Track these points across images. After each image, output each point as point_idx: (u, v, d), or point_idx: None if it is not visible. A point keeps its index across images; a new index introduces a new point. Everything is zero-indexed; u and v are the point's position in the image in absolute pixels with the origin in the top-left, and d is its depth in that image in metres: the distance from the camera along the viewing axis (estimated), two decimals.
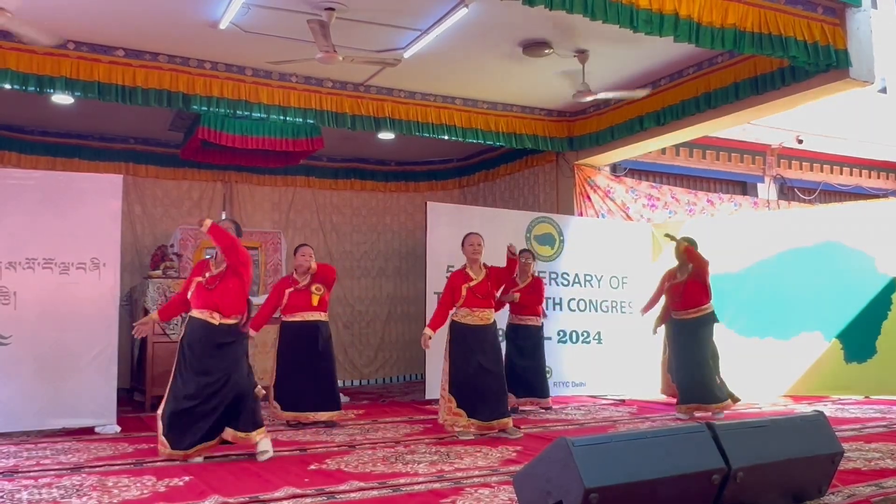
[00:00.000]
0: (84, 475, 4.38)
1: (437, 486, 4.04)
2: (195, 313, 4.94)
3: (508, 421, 5.79)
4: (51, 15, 5.98)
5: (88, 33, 6.49)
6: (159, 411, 4.86)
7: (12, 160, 8.77)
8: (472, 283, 5.84)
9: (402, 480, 4.16)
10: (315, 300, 6.49)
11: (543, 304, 7.38)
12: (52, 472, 4.46)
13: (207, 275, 5.01)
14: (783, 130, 10.94)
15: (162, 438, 4.79)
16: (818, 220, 8.44)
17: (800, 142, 11.25)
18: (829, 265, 8.11)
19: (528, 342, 7.19)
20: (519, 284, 7.13)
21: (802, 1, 6.20)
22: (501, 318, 6.81)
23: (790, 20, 6.07)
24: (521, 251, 7.43)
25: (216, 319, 4.91)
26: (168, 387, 4.90)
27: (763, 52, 6.08)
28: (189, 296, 5.01)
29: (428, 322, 6.02)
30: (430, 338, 5.81)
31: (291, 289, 6.45)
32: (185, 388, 4.82)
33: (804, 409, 6.89)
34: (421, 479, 4.18)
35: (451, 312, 5.91)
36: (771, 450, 3.30)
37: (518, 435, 5.69)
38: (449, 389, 5.78)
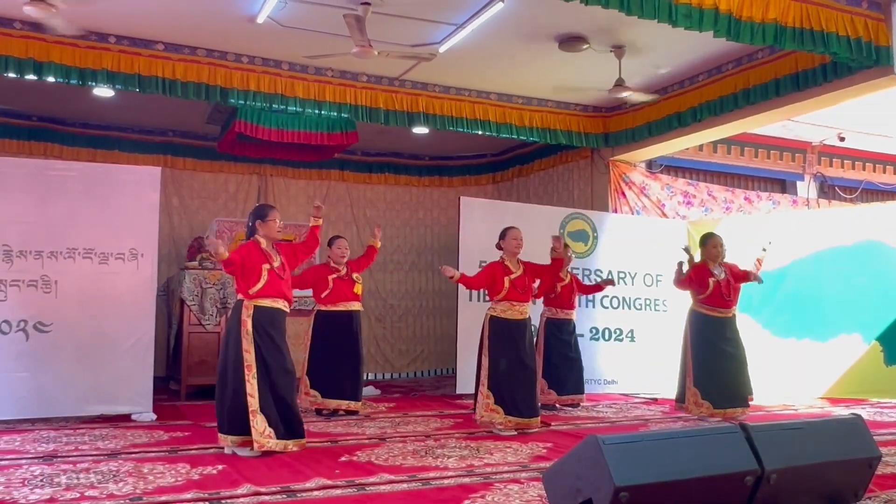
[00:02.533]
0: (120, 461, 4.47)
1: (466, 480, 4.04)
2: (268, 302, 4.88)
3: (538, 420, 5.81)
4: (93, 9, 6.09)
5: (129, 27, 6.60)
6: (256, 406, 4.69)
7: (55, 152, 8.98)
8: (513, 276, 5.83)
9: (431, 474, 4.17)
10: (358, 289, 6.67)
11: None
12: (90, 458, 4.56)
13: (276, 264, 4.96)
14: (824, 127, 10.70)
15: (268, 430, 4.70)
16: (858, 219, 8.25)
17: (841, 139, 11.00)
18: (870, 265, 7.93)
19: (571, 337, 7.23)
20: (563, 280, 7.17)
21: None
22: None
23: (833, 15, 5.94)
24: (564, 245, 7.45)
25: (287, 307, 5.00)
26: (255, 380, 4.75)
27: (804, 47, 5.95)
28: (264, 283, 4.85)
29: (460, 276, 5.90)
30: (451, 275, 5.80)
31: (335, 275, 6.55)
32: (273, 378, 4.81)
33: (841, 411, 6.76)
34: (450, 474, 4.20)
35: (488, 307, 5.92)
36: (806, 452, 3.24)
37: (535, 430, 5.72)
38: (487, 385, 5.74)
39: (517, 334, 5.81)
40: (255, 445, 4.67)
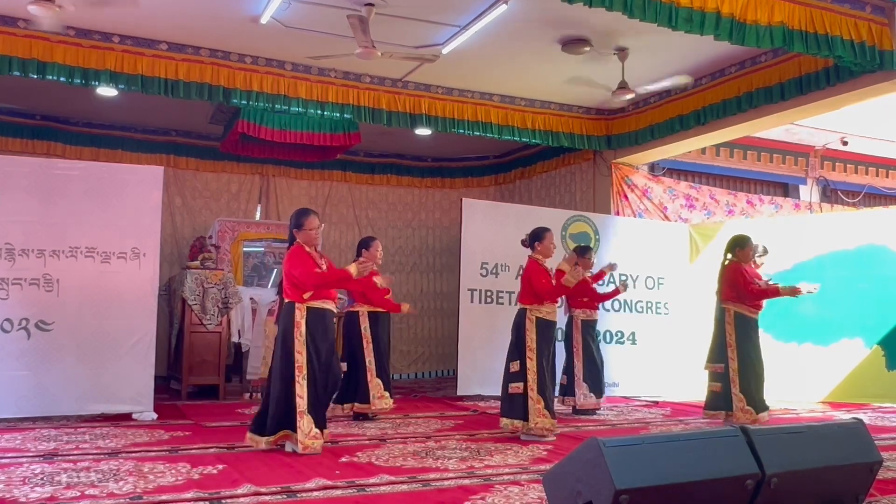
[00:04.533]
0: (121, 460, 4.47)
1: (466, 482, 4.04)
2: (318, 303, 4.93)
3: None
4: (96, 8, 6.10)
5: (133, 27, 6.61)
6: (305, 408, 4.75)
7: (58, 151, 9.01)
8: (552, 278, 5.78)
9: (432, 475, 4.17)
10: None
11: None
12: (91, 457, 4.56)
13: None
14: (827, 131, 10.70)
15: (315, 431, 4.79)
16: (861, 223, 8.25)
17: (844, 143, 11.00)
18: (872, 269, 7.92)
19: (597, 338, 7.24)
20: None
21: None
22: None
23: (837, 19, 5.94)
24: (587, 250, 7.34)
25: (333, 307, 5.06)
26: (305, 381, 4.81)
27: (809, 51, 5.96)
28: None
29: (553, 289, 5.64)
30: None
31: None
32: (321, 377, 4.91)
33: (843, 416, 6.75)
34: (451, 475, 4.19)
35: (526, 309, 5.63)
36: (807, 456, 3.23)
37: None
38: (537, 389, 5.49)
39: (552, 335, 5.78)
40: (301, 447, 4.71)
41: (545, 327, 5.63)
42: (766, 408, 6.16)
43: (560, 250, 8.00)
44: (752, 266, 6.44)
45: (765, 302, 6.37)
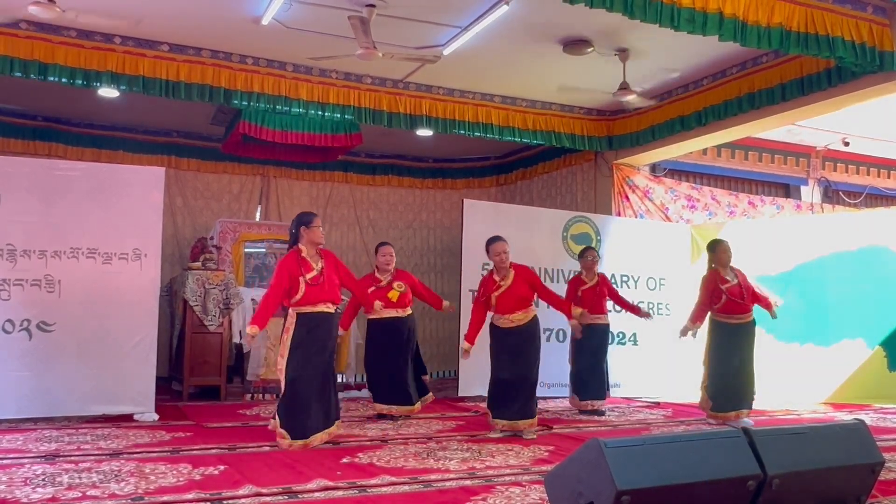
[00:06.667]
0: (122, 461, 4.47)
1: (468, 483, 4.04)
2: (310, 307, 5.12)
3: (523, 423, 5.65)
4: (97, 9, 6.11)
5: (134, 28, 6.60)
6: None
7: (59, 151, 9.01)
8: (499, 292, 5.80)
9: (433, 476, 4.17)
10: (393, 295, 6.49)
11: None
12: (92, 458, 4.56)
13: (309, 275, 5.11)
14: (829, 132, 10.68)
15: (281, 431, 5.00)
16: (862, 224, 8.24)
17: (846, 144, 10.98)
18: (874, 270, 7.91)
19: (594, 341, 7.09)
20: (587, 283, 7.17)
21: (851, 0, 6.06)
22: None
23: (837, 20, 5.93)
24: (587, 249, 7.38)
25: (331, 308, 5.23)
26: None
27: (809, 52, 5.95)
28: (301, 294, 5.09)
29: (464, 334, 6.05)
30: (466, 351, 5.91)
31: (373, 287, 6.42)
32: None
33: (844, 417, 6.74)
34: (452, 476, 4.19)
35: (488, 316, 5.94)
36: (808, 457, 3.23)
37: (531, 436, 5.56)
38: (489, 386, 5.93)
39: (508, 340, 5.80)
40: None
41: (494, 333, 5.89)
42: (731, 408, 6.30)
43: (561, 250, 8.06)
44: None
45: (748, 301, 6.41)
